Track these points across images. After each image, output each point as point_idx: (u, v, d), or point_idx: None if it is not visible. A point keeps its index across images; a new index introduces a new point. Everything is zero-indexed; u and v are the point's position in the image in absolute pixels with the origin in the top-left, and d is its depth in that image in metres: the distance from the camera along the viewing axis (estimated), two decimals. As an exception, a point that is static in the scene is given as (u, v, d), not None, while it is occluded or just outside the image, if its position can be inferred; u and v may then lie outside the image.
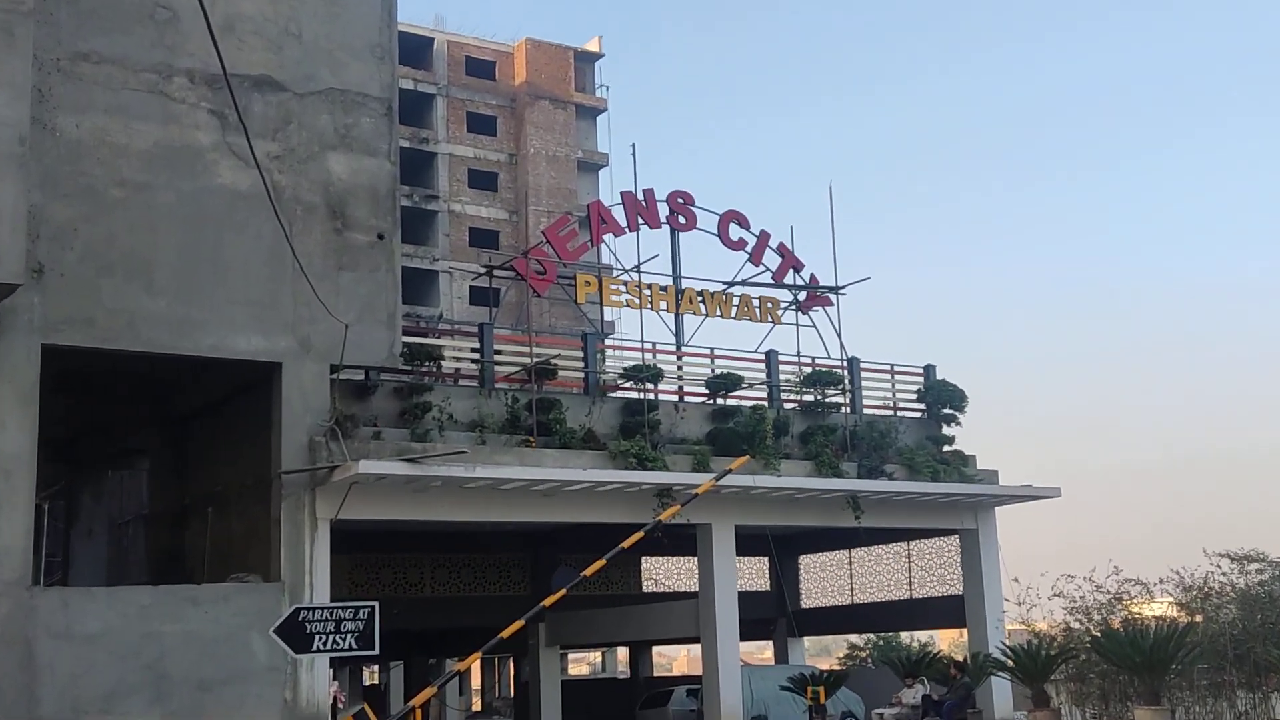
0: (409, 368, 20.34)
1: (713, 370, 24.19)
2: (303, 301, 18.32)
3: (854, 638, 47.39)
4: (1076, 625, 20.64)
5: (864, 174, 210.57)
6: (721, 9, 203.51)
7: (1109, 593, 20.58)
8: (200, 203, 18.05)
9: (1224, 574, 20.69)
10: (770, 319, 25.09)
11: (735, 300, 24.81)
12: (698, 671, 26.43)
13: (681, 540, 23.70)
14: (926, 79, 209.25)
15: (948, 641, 44.53)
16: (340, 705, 11.80)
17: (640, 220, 24.06)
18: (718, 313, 24.57)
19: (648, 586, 31.48)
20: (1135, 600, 20.81)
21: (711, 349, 24.55)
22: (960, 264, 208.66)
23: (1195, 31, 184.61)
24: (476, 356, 22.10)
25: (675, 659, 71.87)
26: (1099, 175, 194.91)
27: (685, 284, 24.42)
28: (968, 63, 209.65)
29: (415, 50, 53.19)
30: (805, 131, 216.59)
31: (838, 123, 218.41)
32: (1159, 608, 21.02)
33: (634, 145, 23.68)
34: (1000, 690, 23.74)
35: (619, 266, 25.35)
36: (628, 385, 23.30)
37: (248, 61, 18.72)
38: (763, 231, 25.23)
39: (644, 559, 30.76)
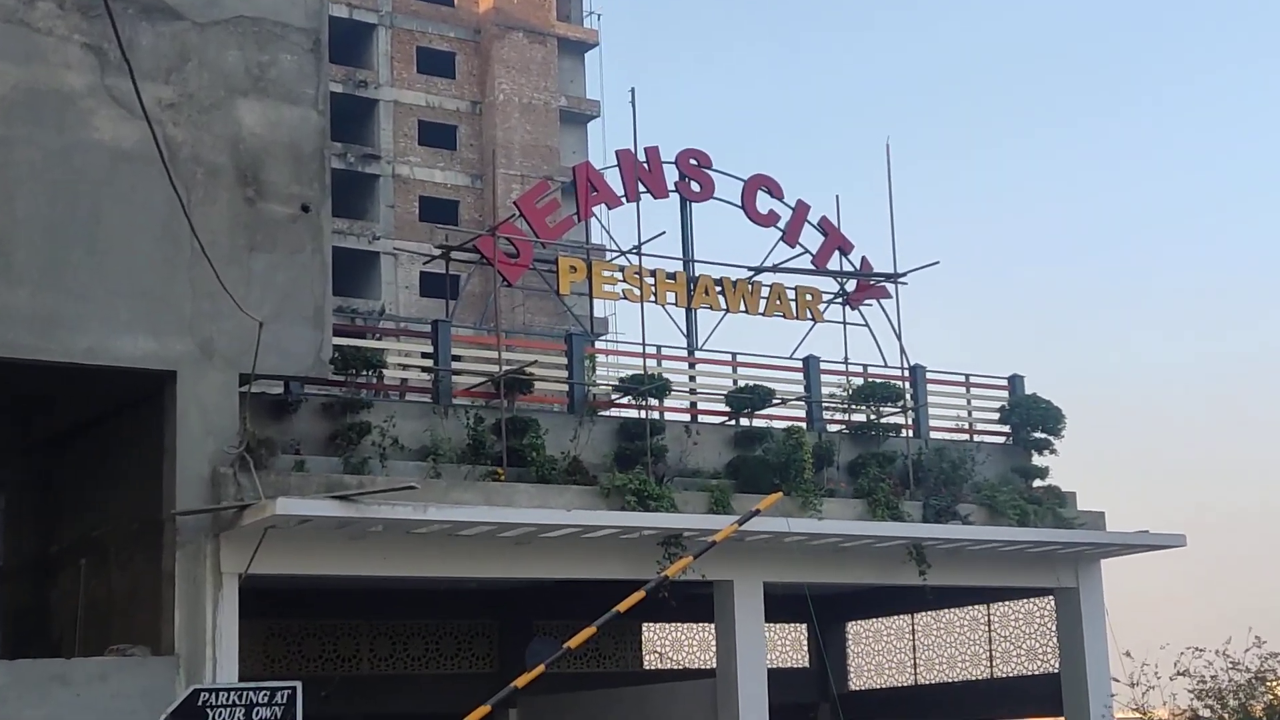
0: (341, 378, 20.38)
1: (735, 382, 24.21)
2: (204, 293, 18.35)
3: (918, 729, 47.32)
4: (1206, 713, 20.61)
5: (935, 129, 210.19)
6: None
7: (1248, 670, 20.55)
8: (72, 163, 18.08)
9: (1398, 647, 20.66)
10: (810, 315, 25.14)
11: (764, 291, 24.86)
12: (715, 772, 26.40)
13: (694, 602, 23.68)
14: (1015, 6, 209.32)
15: (1040, 734, 44.43)
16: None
17: (641, 187, 24.10)
18: (741, 307, 24.63)
19: (650, 662, 31.47)
20: (1282, 681, 20.80)
21: (733, 354, 24.62)
22: (1057, 249, 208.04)
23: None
24: (429, 364, 22.12)
25: (686, 756, 71.70)
26: (1248, 144, 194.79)
27: (699, 270, 24.47)
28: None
29: (351, -33, 53.40)
30: (856, 69, 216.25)
31: (905, 59, 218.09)
32: (1313, 690, 20.99)
33: (633, 90, 23.75)
34: (1108, 797, 23.77)
35: (614, 247, 25.40)
36: (625, 401, 23.33)
37: (134, -19, 18.78)
38: (800, 202, 25.27)
39: (645, 626, 30.73)
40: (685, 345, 24.38)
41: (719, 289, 24.47)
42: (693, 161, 24.68)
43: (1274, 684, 20.60)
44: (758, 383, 24.07)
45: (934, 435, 25.46)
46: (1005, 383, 26.64)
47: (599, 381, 23.71)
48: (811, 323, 25.23)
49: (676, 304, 24.26)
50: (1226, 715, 20.05)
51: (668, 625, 30.94)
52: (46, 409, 21.07)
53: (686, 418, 24.05)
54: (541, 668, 21.24)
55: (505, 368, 22.03)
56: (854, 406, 24.80)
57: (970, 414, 26.45)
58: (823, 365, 24.96)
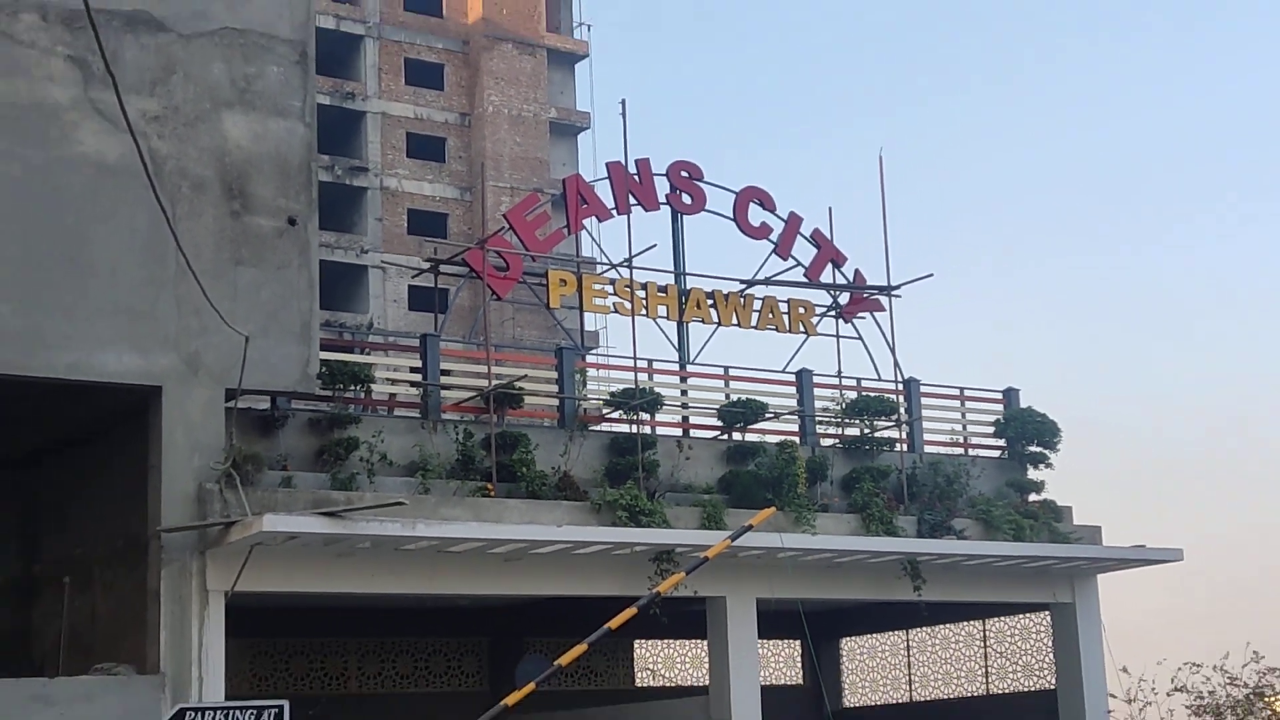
0: (329, 393, 20.36)
1: (727, 395, 24.22)
2: (189, 308, 18.34)
3: (914, 746, 47.29)
4: (1204, 729, 20.63)
5: (929, 138, 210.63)
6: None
7: (1246, 686, 20.60)
8: (55, 177, 18.07)
9: (1398, 662, 20.71)
10: (802, 329, 25.16)
11: (757, 304, 24.88)
12: (708, 791, 26.38)
13: (687, 619, 23.67)
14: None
15: (1036, 751, 44.42)
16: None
17: (632, 199, 24.13)
18: (734, 320, 24.64)
19: (642, 679, 31.43)
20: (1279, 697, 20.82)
21: (726, 368, 24.62)
22: (1056, 261, 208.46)
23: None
24: (418, 378, 22.11)
25: (679, 775, 71.58)
26: (1229, 149, 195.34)
27: (691, 283, 24.49)
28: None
29: (338, -22, 53.48)
30: (849, 79, 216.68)
31: (896, 69, 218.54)
32: (1313, 706, 21.02)
33: (624, 102, 23.80)
34: (1105, 815, 23.77)
35: (604, 260, 25.41)
36: (616, 415, 23.32)
37: (118, -7, 18.79)
38: (792, 214, 25.31)
39: (637, 643, 30.71)
40: (677, 359, 24.39)
41: (711, 302, 24.50)
42: (684, 173, 24.71)
43: (1272, 700, 20.63)
44: (750, 397, 24.08)
45: (928, 449, 25.48)
46: (1000, 396, 26.67)
47: (590, 396, 23.71)
48: (804, 336, 25.26)
49: (668, 317, 24.27)
50: (1225, 731, 20.07)
51: (660, 642, 30.91)
52: (28, 426, 21.02)
53: (678, 432, 24.06)
54: (532, 686, 21.20)
55: (495, 382, 22.03)
56: (847, 420, 24.82)
57: (965, 427, 26.47)
58: (816, 379, 24.98)
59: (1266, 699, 20.80)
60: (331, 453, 20.29)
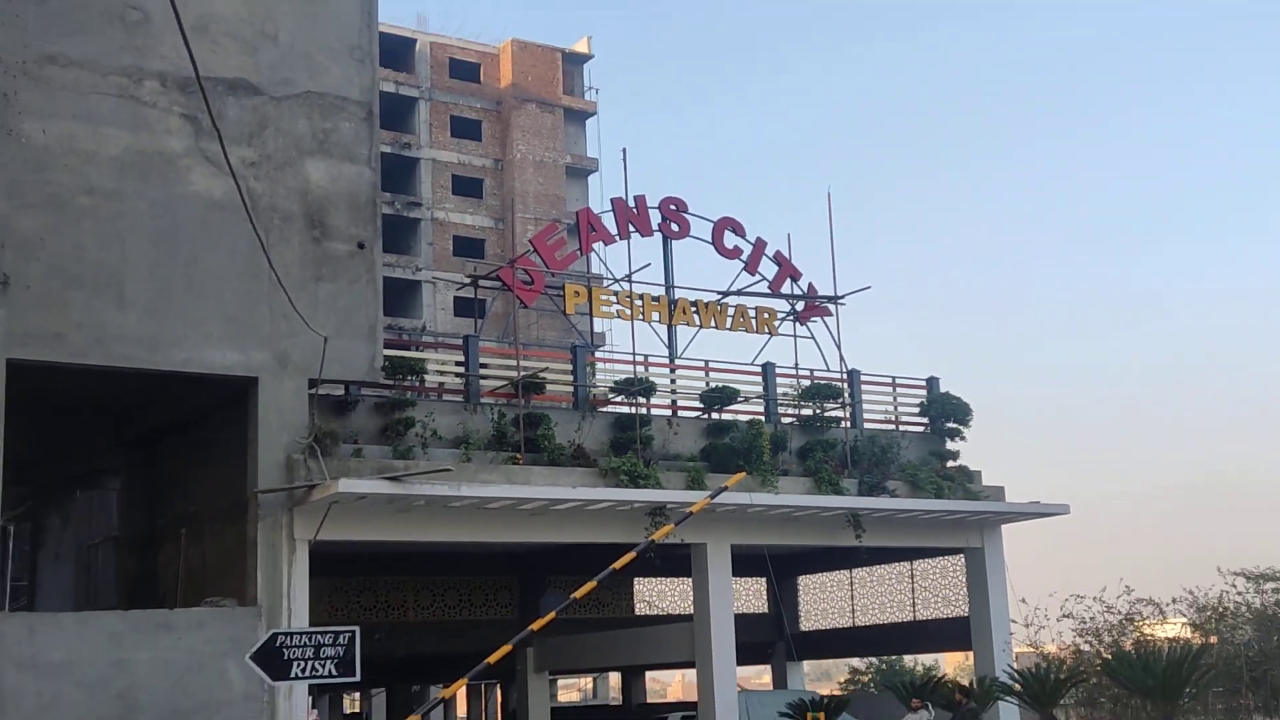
0: (391, 382, 20.32)
1: (707, 384, 24.17)
2: (280, 314, 18.31)
3: (856, 661, 47.41)
4: (1086, 648, 20.61)
5: (867, 178, 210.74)
6: (714, 5, 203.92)
7: (1120, 613, 20.57)
8: (173, 211, 18.05)
9: (1239, 593, 20.71)
10: (767, 330, 25.09)
11: (730, 311, 24.81)
12: (693, 697, 26.36)
13: (675, 561, 23.66)
14: (927, 73, 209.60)
15: (953, 665, 44.49)
16: (320, 735, 11.75)
17: (631, 228, 24.07)
18: (712, 324, 24.58)
19: (640, 609, 31.42)
20: (1147, 621, 20.79)
21: (706, 361, 24.55)
22: (969, 271, 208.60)
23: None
24: (461, 370, 22.07)
25: (669, 685, 71.70)
26: (1121, 170, 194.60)
27: (678, 294, 24.43)
28: (974, 55, 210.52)
29: (397, 52, 53.30)
30: (804, 134, 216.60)
31: (839, 124, 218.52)
32: (1172, 629, 21.00)
33: (624, 150, 23.82)
34: (1008, 716, 23.73)
35: (609, 276, 25.35)
36: (619, 399, 23.28)
37: (222, 64, 18.74)
38: (759, 239, 25.25)
39: (637, 580, 30.70)
40: (667, 355, 24.33)
41: (694, 309, 24.43)
42: (672, 207, 24.63)
43: (1140, 624, 20.63)
44: (725, 384, 24.04)
45: (867, 426, 25.44)
46: (924, 383, 26.64)
47: (598, 384, 23.67)
48: (768, 336, 25.18)
49: (660, 321, 24.20)
50: (1102, 649, 20.06)
51: (654, 580, 30.92)
52: (152, 409, 21.03)
53: (669, 413, 23.99)
54: (553, 614, 21.28)
55: (522, 373, 22.02)
56: (802, 403, 24.77)
57: (896, 408, 26.43)
58: (778, 370, 24.93)
59: (1135, 623, 20.78)
60: (393, 430, 20.26)
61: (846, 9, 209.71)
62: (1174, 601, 21.02)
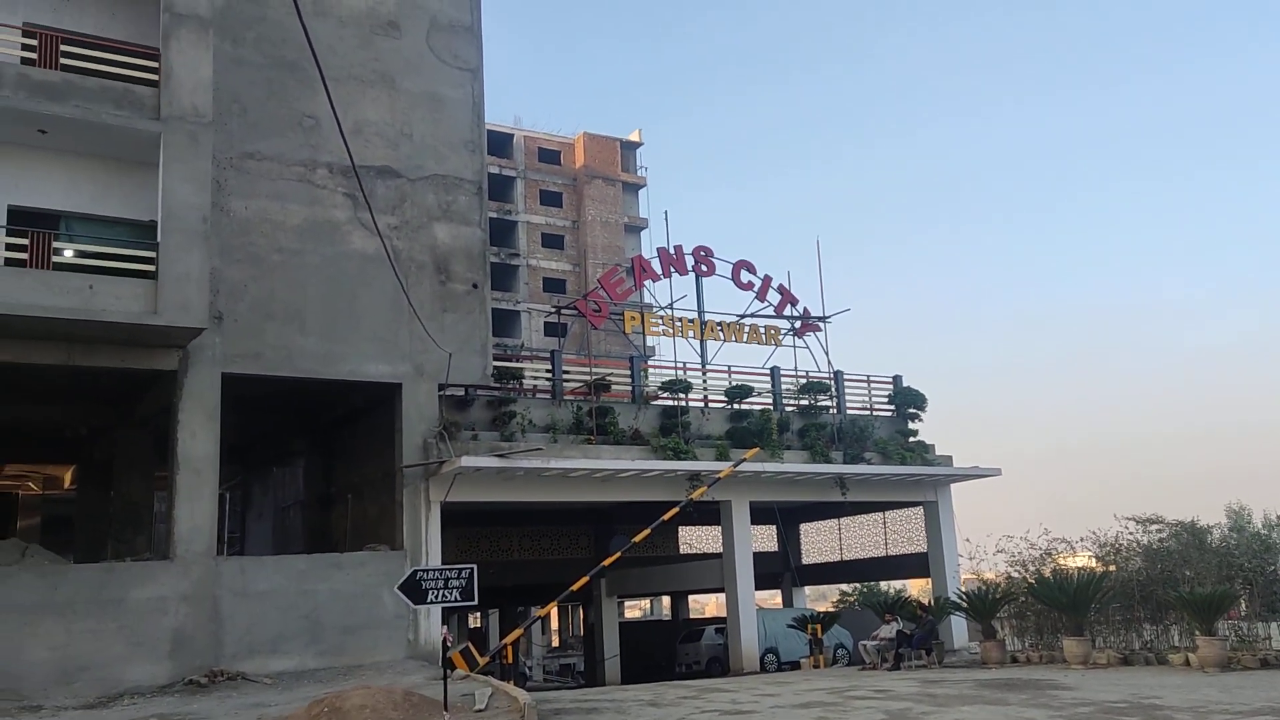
0: (498, 385, 20.40)
1: (730, 382, 24.10)
2: (417, 337, 18.49)
3: (844, 586, 46.87)
4: (1016, 575, 20.33)
5: (849, 223, 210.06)
6: (740, 98, 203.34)
7: (1041, 549, 20.28)
8: (338, 264, 18.27)
9: (1131, 534, 20.31)
10: (773, 343, 24.97)
11: (746, 329, 24.72)
12: (723, 614, 26.29)
13: (709, 513, 23.61)
14: (904, 142, 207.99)
15: (916, 588, 43.80)
16: (449, 643, 11.75)
17: (672, 269, 24.03)
18: (733, 338, 24.50)
19: (684, 549, 31.37)
20: (1062, 555, 20.47)
21: (729, 366, 24.44)
22: (925, 293, 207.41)
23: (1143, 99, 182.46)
24: (549, 376, 22.13)
25: (707, 605, 71.27)
26: (1036, 217, 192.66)
27: (707, 317, 24.36)
28: (934, 129, 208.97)
29: (499, 143, 53.64)
30: (802, 201, 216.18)
31: (830, 196, 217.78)
32: (1081, 560, 20.68)
33: (666, 212, 23.87)
34: (958, 626, 23.49)
35: (656, 305, 25.34)
36: (665, 395, 23.25)
37: (372, 156, 18.94)
38: (766, 276, 25.13)
39: (680, 528, 30.67)
40: (700, 362, 24.28)
41: (719, 328, 24.34)
42: (702, 253, 24.54)
43: (1055, 556, 20.32)
44: (744, 383, 23.96)
45: (849, 412, 25.25)
46: (891, 380, 26.40)
47: (649, 384, 23.65)
48: (774, 347, 25.06)
49: (694, 337, 24.14)
50: (1028, 576, 19.78)
51: (694, 528, 30.86)
52: (327, 408, 21.25)
53: (702, 404, 23.94)
54: (619, 554, 21.31)
55: (594, 377, 22.04)
56: (801, 396, 24.63)
57: (871, 399, 26.21)
58: (782, 372, 24.81)
59: (1053, 556, 20.46)
60: (500, 420, 20.33)
61: (843, 109, 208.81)
62: (1082, 540, 20.70)
